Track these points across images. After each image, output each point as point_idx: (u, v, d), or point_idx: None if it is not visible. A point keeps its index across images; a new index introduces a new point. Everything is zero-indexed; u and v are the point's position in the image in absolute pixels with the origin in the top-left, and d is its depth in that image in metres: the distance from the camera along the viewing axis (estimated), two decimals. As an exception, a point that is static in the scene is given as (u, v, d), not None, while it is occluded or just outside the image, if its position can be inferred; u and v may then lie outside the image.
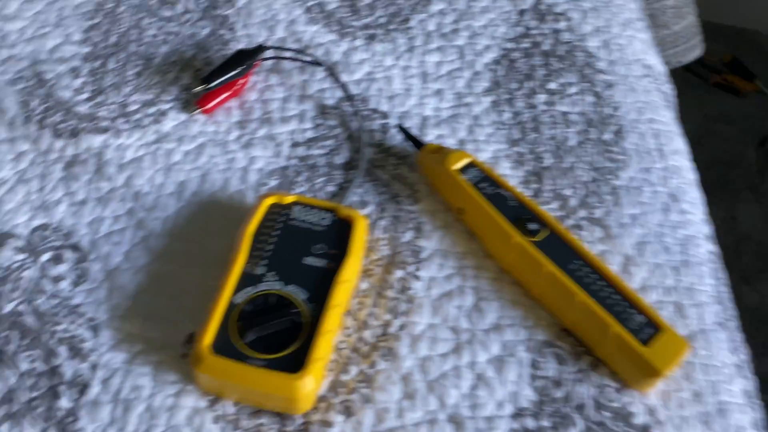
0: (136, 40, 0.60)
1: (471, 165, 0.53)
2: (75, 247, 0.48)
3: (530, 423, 0.44)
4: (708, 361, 0.48)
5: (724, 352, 0.49)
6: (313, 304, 0.43)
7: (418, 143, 0.56)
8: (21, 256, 0.47)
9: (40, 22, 0.60)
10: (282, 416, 0.42)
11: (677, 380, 0.47)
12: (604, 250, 0.53)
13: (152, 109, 0.56)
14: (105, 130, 0.53)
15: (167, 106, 0.56)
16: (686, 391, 0.47)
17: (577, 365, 0.47)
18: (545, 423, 0.44)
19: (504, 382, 0.46)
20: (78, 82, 0.56)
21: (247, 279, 0.44)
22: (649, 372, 0.45)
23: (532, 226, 0.50)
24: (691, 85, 1.65)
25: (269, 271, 0.45)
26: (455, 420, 0.44)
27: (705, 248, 0.55)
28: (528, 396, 0.45)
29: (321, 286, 0.44)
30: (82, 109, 0.54)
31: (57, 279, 0.46)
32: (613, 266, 0.52)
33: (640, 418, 0.45)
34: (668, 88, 0.70)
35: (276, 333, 0.42)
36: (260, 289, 0.44)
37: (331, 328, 0.43)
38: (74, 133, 0.52)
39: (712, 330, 0.50)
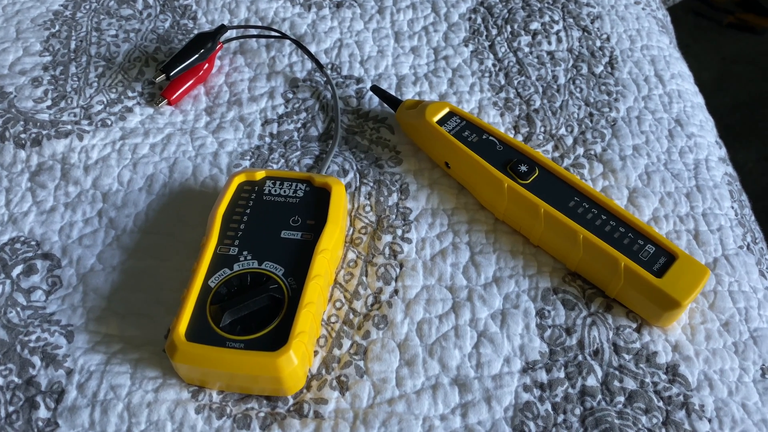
0: (96, 43, 0.58)
1: (451, 114, 0.49)
2: (47, 256, 0.46)
3: (543, 376, 0.40)
4: (736, 288, 0.44)
5: (753, 276, 0.45)
6: (291, 278, 0.40)
7: (394, 102, 0.52)
8: (-8, 272, 0.45)
9: (-1, 39, 0.58)
10: (272, 399, 0.39)
11: (702, 311, 0.43)
12: (607, 186, 0.49)
13: (117, 108, 0.53)
14: (68, 134, 0.51)
15: (132, 102, 0.54)
16: (714, 322, 0.42)
17: (588, 309, 0.43)
18: (559, 374, 0.40)
19: (510, 336, 0.42)
20: (39, 91, 0.54)
21: (220, 261, 0.41)
22: (667, 304, 0.40)
23: (523, 168, 0.46)
24: (704, 29, 1.58)
25: (243, 251, 0.42)
26: (460, 382, 0.40)
27: (720, 171, 0.51)
28: (537, 348, 0.41)
29: (299, 259, 0.41)
30: (44, 116, 0.52)
31: (30, 290, 0.44)
32: (619, 200, 0.48)
33: (665, 357, 0.41)
34: (662, 14, 0.65)
35: (255, 313, 0.39)
36: (234, 270, 0.41)
37: (312, 299, 0.39)
38: (37, 141, 0.51)
39: (736, 254, 0.45)
